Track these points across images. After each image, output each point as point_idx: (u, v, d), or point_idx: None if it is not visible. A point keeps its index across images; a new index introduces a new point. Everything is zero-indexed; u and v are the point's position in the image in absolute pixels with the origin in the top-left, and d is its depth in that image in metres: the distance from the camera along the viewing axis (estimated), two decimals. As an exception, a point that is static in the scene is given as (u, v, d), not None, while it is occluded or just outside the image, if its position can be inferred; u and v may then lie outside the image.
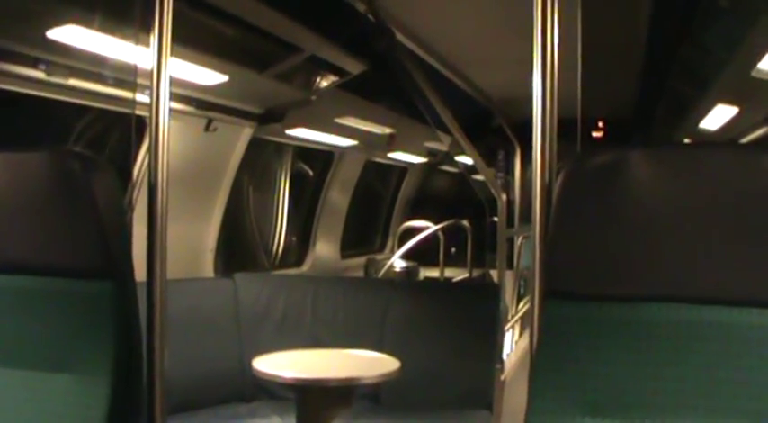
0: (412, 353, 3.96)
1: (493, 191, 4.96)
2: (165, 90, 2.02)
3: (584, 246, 1.61)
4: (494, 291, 4.52)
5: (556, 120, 1.83)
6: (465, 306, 4.45)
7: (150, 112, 2.02)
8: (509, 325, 5.09)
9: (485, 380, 4.18)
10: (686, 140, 7.75)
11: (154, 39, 2.02)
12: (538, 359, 1.69)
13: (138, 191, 3.92)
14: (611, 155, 1.61)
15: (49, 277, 1.86)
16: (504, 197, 5.00)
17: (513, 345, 5.58)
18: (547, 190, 1.81)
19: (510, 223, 6.48)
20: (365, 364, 3.75)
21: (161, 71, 2.02)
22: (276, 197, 7.26)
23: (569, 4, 2.00)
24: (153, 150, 2.01)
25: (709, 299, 1.52)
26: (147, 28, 2.06)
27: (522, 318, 5.79)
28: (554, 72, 1.84)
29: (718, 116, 5.66)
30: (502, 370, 4.34)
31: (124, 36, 3.06)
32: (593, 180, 1.61)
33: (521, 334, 5.86)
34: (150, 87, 2.03)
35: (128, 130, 4.45)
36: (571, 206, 1.62)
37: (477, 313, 4.35)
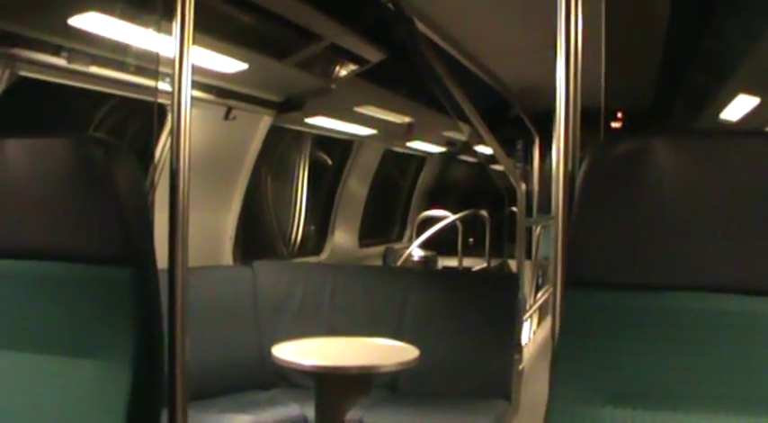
0: (430, 342, 3.96)
1: (512, 181, 4.95)
2: (186, 78, 2.02)
3: (608, 234, 1.61)
4: (513, 281, 4.52)
5: (579, 109, 1.82)
6: (484, 296, 4.45)
7: (172, 99, 2.02)
8: (527, 315, 5.08)
9: (503, 369, 4.17)
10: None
11: (176, 26, 2.01)
12: (560, 348, 1.68)
13: (159, 178, 3.94)
14: (635, 142, 1.59)
15: (70, 263, 1.86)
16: (523, 187, 4.98)
17: (532, 334, 5.58)
18: (570, 179, 1.80)
19: (528, 213, 6.47)
20: (384, 352, 3.76)
21: (183, 59, 2.02)
22: (295, 185, 7.27)
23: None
24: (175, 138, 2.01)
25: (734, 288, 1.51)
26: (169, 15, 2.06)
27: (540, 308, 5.78)
28: (577, 61, 1.83)
29: (740, 106, 5.62)
30: (520, 360, 4.34)
31: (145, 23, 3.07)
32: (616, 168, 1.60)
33: (539, 324, 5.85)
34: (172, 75, 2.03)
35: (146, 117, 4.46)
36: (594, 194, 1.61)
37: (496, 303, 4.34)
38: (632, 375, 1.57)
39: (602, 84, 1.86)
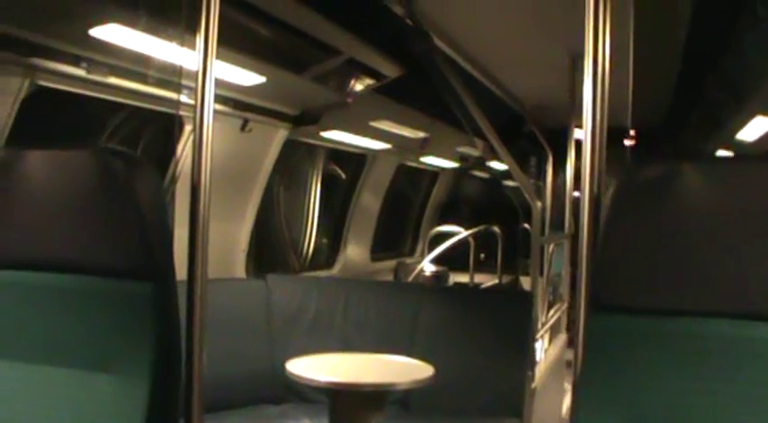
0: (443, 358, 3.94)
1: (528, 198, 4.92)
2: (209, 91, 2.02)
3: (636, 259, 1.59)
4: (527, 298, 4.49)
5: (605, 131, 1.81)
6: (497, 313, 4.43)
7: (194, 113, 2.02)
8: (541, 333, 5.05)
9: (516, 387, 4.14)
10: (722, 151, 7.68)
11: (200, 40, 2.01)
12: (583, 371, 1.67)
13: (175, 189, 3.93)
14: (664, 167, 1.58)
15: (90, 276, 1.86)
16: (539, 205, 4.96)
17: (543, 353, 5.54)
18: (595, 201, 1.79)
19: (541, 230, 6.45)
20: (399, 369, 3.74)
21: (206, 72, 2.01)
22: (307, 198, 7.25)
23: (621, 15, 1.97)
24: (197, 151, 2.00)
25: (760, 315, 1.50)
26: (192, 29, 2.06)
27: (552, 326, 5.75)
28: (605, 82, 1.82)
29: (757, 127, 5.60)
30: (533, 378, 4.31)
31: (166, 35, 3.06)
32: (645, 192, 1.59)
33: (550, 341, 5.82)
34: (195, 88, 2.03)
35: (159, 126, 4.47)
36: (623, 218, 1.60)
37: (509, 320, 4.32)
38: (657, 400, 1.55)
39: (630, 104, 1.84)
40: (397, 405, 4.18)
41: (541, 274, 6.64)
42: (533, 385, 4.30)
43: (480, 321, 4.37)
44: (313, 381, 3.41)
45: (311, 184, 7.26)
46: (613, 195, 1.60)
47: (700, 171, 1.55)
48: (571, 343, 6.78)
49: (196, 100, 2.02)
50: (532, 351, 4.43)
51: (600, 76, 1.82)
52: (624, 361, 1.60)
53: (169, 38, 3.06)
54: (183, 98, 3.74)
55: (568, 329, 6.43)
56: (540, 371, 4.58)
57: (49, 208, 1.88)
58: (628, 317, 1.61)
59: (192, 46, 2.05)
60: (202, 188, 2.00)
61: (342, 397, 3.47)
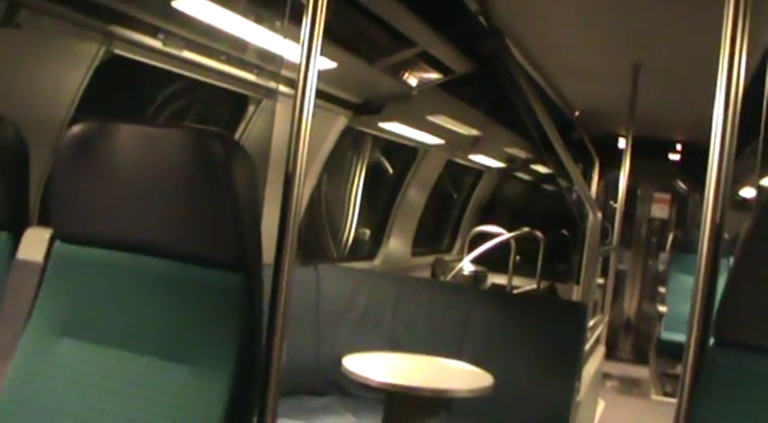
0: (491, 365, 3.85)
1: (588, 206, 4.83)
2: (311, 83, 1.97)
3: (766, 297, 1.50)
4: (581, 310, 4.40)
5: (733, 155, 1.70)
6: (550, 323, 4.33)
7: (294, 103, 1.97)
8: (588, 345, 4.96)
9: (563, 400, 4.06)
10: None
11: (305, 30, 1.96)
12: (695, 408, 1.58)
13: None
14: None
15: (180, 262, 1.79)
16: (599, 215, 4.86)
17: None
18: (716, 229, 1.69)
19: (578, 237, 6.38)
20: (457, 375, 3.67)
21: (309, 63, 1.96)
22: (350, 187, 7.17)
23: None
24: (294, 141, 1.95)
25: None
26: (293, 16, 2.00)
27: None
28: (737, 105, 1.71)
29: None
30: (578, 391, 4.23)
31: (253, 18, 3.00)
32: None
33: (590, 354, 5.74)
34: (297, 79, 1.98)
35: (210, 102, 4.40)
36: (759, 253, 1.51)
37: (561, 331, 4.23)
38: None
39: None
40: (442, 409, 4.10)
41: (578, 282, 6.58)
42: (578, 398, 4.23)
43: (532, 330, 4.28)
44: (370, 379, 3.32)
45: (355, 172, 7.17)
46: (751, 227, 1.51)
47: None
48: (608, 356, 6.70)
49: (297, 91, 1.97)
50: (582, 364, 4.35)
51: (733, 101, 1.70)
52: (741, 399, 1.52)
53: (260, 21, 3.00)
54: (250, 77, 3.70)
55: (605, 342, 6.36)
56: (582, 383, 4.51)
57: (139, 186, 1.81)
58: (750, 355, 1.53)
59: (287, 34, 1.99)
60: (297, 178, 1.93)
61: (399, 399, 3.39)
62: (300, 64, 1.95)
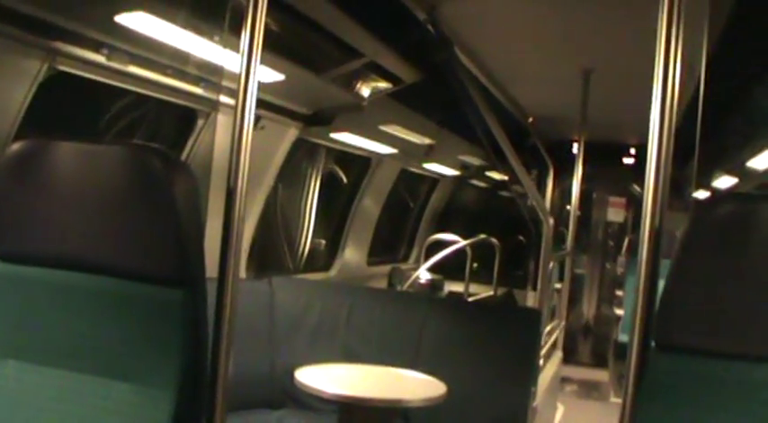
0: (448, 372, 3.86)
1: (540, 214, 4.86)
2: (251, 95, 1.94)
3: (704, 299, 1.52)
4: (535, 316, 4.42)
5: (670, 164, 1.71)
6: (505, 329, 4.35)
7: (235, 115, 1.94)
8: (544, 350, 4.98)
9: (519, 406, 4.08)
10: (727, 176, 7.64)
11: (244, 41, 1.93)
12: (638, 412, 1.59)
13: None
14: (739, 204, 1.51)
15: (120, 279, 1.77)
16: (551, 221, 4.89)
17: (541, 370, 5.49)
18: (655, 232, 1.70)
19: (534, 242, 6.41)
20: (410, 385, 3.67)
21: (249, 76, 1.94)
22: (305, 198, 7.15)
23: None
24: (235, 153, 1.93)
25: None
26: (233, 26, 1.99)
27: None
28: (672, 110, 1.73)
29: (769, 156, 5.55)
30: (534, 396, 4.25)
31: (198, 31, 2.98)
32: (720, 230, 1.51)
33: (546, 359, 5.76)
34: (237, 91, 1.96)
35: (159, 116, 4.36)
36: (696, 256, 1.52)
37: (516, 337, 4.25)
38: None
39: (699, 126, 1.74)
40: (399, 418, 4.10)
41: (534, 287, 6.60)
42: (535, 403, 4.24)
43: (487, 337, 4.29)
44: (322, 392, 3.32)
45: (309, 183, 7.15)
46: (688, 232, 1.52)
47: None
48: (567, 360, 6.74)
49: (237, 102, 1.95)
50: (538, 369, 4.37)
51: (669, 98, 1.72)
52: (682, 403, 1.53)
53: (201, 33, 2.98)
54: (196, 90, 3.67)
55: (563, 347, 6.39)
56: (539, 389, 4.53)
57: (80, 204, 1.79)
58: (690, 358, 1.54)
59: (226, 44, 1.98)
60: (239, 191, 1.92)
61: (352, 411, 3.38)
62: (240, 74, 1.93)
